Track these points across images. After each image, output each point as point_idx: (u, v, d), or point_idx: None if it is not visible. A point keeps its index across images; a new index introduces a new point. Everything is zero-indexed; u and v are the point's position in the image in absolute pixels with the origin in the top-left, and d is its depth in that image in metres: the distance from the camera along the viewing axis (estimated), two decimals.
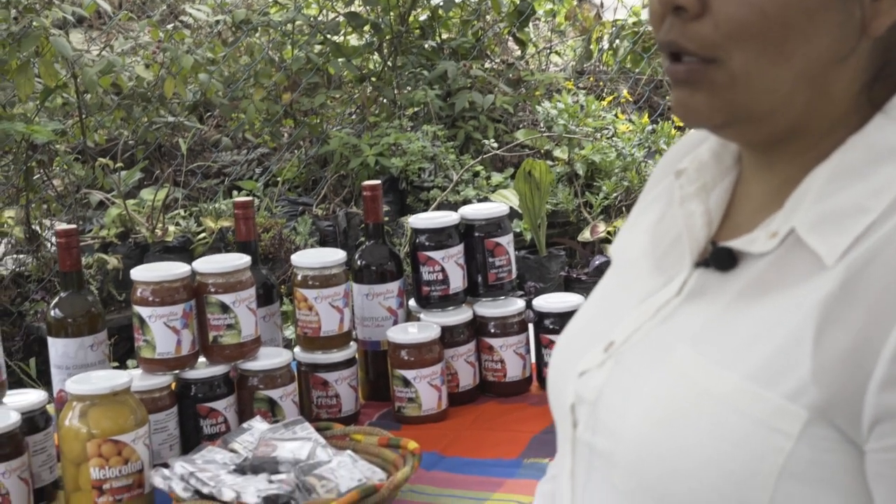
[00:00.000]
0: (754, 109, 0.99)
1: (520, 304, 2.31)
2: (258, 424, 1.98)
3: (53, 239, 4.87)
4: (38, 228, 4.80)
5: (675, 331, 1.02)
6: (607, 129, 5.32)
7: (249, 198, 2.30)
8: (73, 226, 2.09)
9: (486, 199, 4.73)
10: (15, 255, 4.95)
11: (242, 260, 2.09)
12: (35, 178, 4.95)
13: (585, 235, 4.85)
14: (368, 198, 2.27)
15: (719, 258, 1.02)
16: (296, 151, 5.56)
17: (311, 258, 2.20)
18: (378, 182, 2.31)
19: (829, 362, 0.91)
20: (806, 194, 0.98)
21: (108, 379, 1.86)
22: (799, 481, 0.92)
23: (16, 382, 4.18)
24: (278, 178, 5.24)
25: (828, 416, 0.91)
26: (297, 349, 2.21)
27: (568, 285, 4.70)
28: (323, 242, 4.78)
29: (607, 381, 1.05)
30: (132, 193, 5.12)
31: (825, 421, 0.91)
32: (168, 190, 4.85)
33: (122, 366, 3.79)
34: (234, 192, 5.17)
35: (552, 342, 2.25)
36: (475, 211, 2.34)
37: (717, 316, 1.00)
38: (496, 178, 5.11)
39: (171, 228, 4.72)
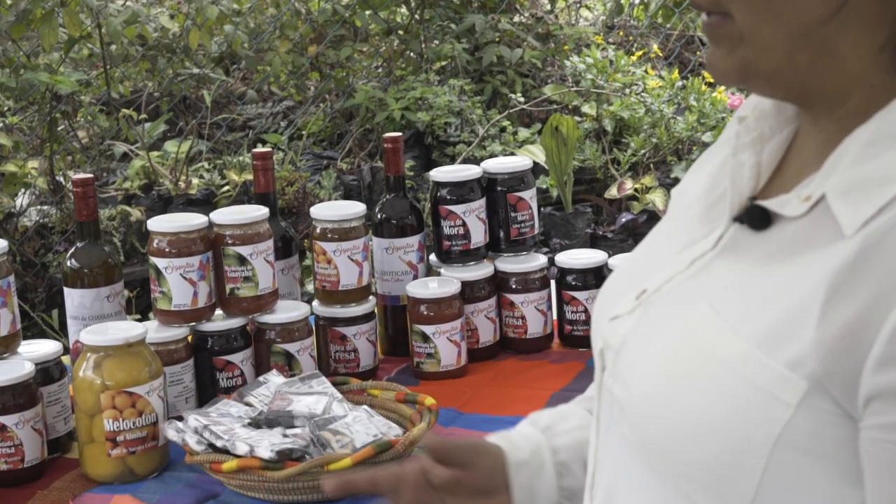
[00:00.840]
0: (760, 67, 0.97)
1: (542, 259, 2.27)
2: (274, 378, 1.95)
3: None
4: (61, 180, 4.79)
5: (703, 286, 1.02)
6: (636, 84, 5.24)
7: (268, 149, 2.26)
8: (90, 175, 2.06)
9: (512, 155, 4.68)
10: (39, 207, 4.94)
11: (260, 212, 2.06)
12: (59, 129, 4.94)
13: (612, 192, 4.80)
14: (389, 150, 2.23)
15: (753, 216, 1.01)
16: (321, 105, 5.51)
17: (331, 211, 2.16)
18: (399, 134, 2.27)
19: (831, 334, 0.90)
20: (843, 157, 0.95)
21: (122, 330, 1.83)
22: (794, 452, 0.93)
23: (39, 333, 4.18)
24: (303, 132, 5.21)
25: (826, 388, 0.90)
26: (315, 303, 2.18)
27: (594, 242, 4.65)
28: (347, 197, 4.75)
29: (633, 330, 1.06)
30: (156, 146, 5.10)
31: (824, 393, 0.91)
32: (192, 142, 4.82)
33: (145, 318, 3.79)
34: (259, 146, 5.13)
35: (574, 299, 2.22)
36: (498, 165, 2.30)
37: (740, 276, 0.99)
38: (523, 133, 5.05)
39: (195, 181, 4.70)
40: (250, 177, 4.65)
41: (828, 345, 0.90)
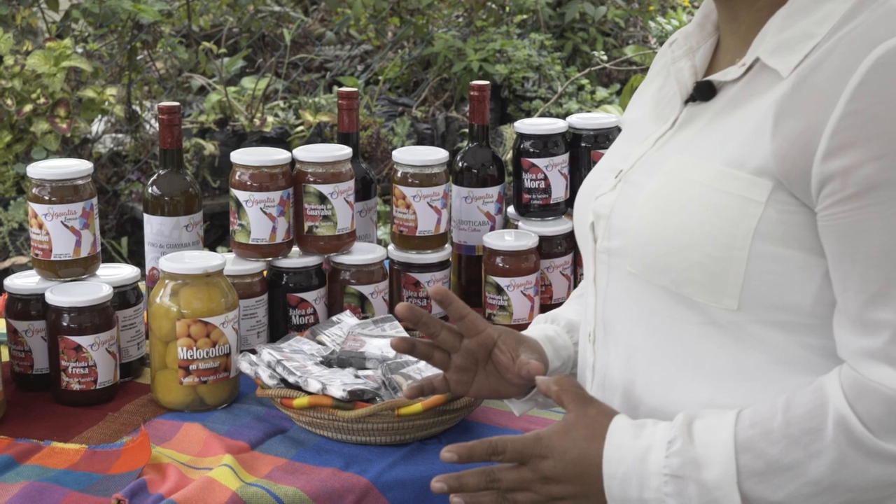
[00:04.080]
0: None
1: None
2: (348, 319, 1.95)
3: (153, 120, 4.89)
4: (137, 109, 4.81)
5: (668, 150, 1.30)
6: None
7: (355, 88, 2.25)
8: (176, 103, 2.05)
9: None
10: (114, 135, 4.97)
11: (343, 151, 2.04)
12: (138, 58, 4.95)
13: None
14: (476, 98, 2.21)
15: (701, 90, 1.31)
16: (399, 51, 5.49)
17: (413, 155, 2.15)
18: (487, 83, 2.24)
19: (784, 143, 1.19)
20: (767, 32, 1.25)
21: (201, 260, 1.83)
22: (769, 240, 1.20)
23: (107, 260, 4.22)
24: (380, 77, 5.19)
25: (786, 186, 1.19)
26: (390, 247, 2.17)
27: None
28: (420, 145, 4.74)
29: (618, 197, 1.33)
30: (233, 81, 5.11)
31: (785, 190, 1.20)
32: (269, 80, 4.82)
33: (213, 252, 3.80)
34: (335, 88, 5.13)
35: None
36: (583, 120, 2.27)
37: (699, 131, 1.28)
38: (601, 93, 5.00)
39: (270, 119, 4.70)
40: (325, 118, 4.64)
41: (782, 151, 1.19)
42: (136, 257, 4.46)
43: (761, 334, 1.24)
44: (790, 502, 1.20)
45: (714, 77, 1.30)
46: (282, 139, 4.61)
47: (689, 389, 1.28)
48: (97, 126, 4.84)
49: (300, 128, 4.67)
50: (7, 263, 4.19)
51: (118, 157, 4.81)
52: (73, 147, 4.65)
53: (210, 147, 4.52)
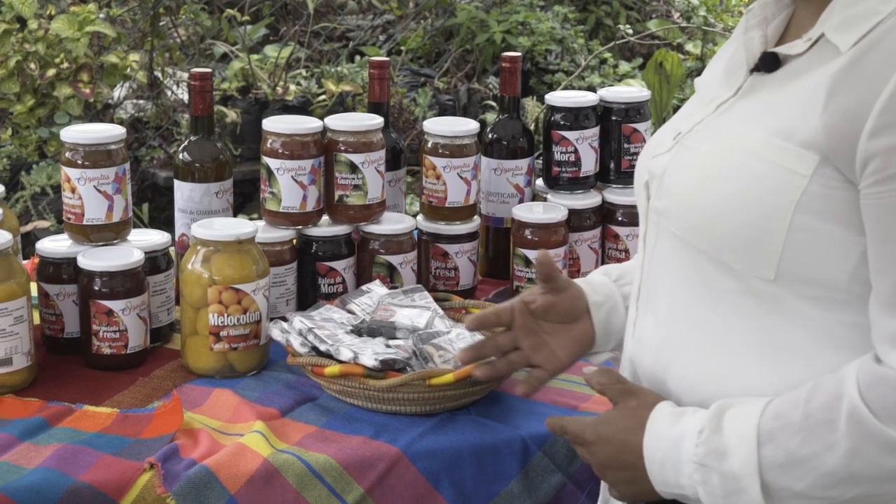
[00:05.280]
0: None
1: None
2: (377, 288, 1.95)
3: (175, 87, 4.88)
4: (159, 75, 4.81)
5: (727, 117, 1.32)
6: None
7: (386, 58, 2.24)
8: (208, 69, 2.05)
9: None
10: (135, 101, 4.97)
11: (375, 120, 2.04)
12: (161, 24, 4.94)
13: None
14: (507, 69, 2.20)
15: (765, 61, 1.31)
16: (422, 21, 5.47)
17: (444, 126, 2.14)
18: (518, 54, 2.23)
19: (834, 119, 1.19)
20: (834, 9, 1.25)
21: (233, 226, 1.83)
22: (810, 214, 1.21)
23: None
24: (402, 47, 5.17)
25: (832, 161, 1.20)
26: (419, 217, 2.17)
27: None
28: (442, 116, 4.72)
29: (672, 158, 1.35)
30: (256, 49, 5.10)
31: (831, 165, 1.20)
32: (292, 48, 4.81)
33: None
34: (357, 57, 5.11)
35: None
36: (614, 93, 2.26)
37: (757, 102, 1.30)
38: (623, 66, 4.98)
39: (292, 87, 4.69)
40: (347, 87, 4.63)
41: (831, 127, 1.19)
42: (156, 223, 4.47)
43: (798, 307, 1.24)
44: (810, 493, 1.21)
45: (779, 49, 1.31)
46: (304, 108, 4.60)
47: (720, 358, 1.29)
48: (118, 92, 4.84)
49: (322, 97, 4.66)
50: (29, 227, 4.20)
51: (139, 124, 4.81)
52: (94, 112, 4.65)
53: (232, 115, 4.52)
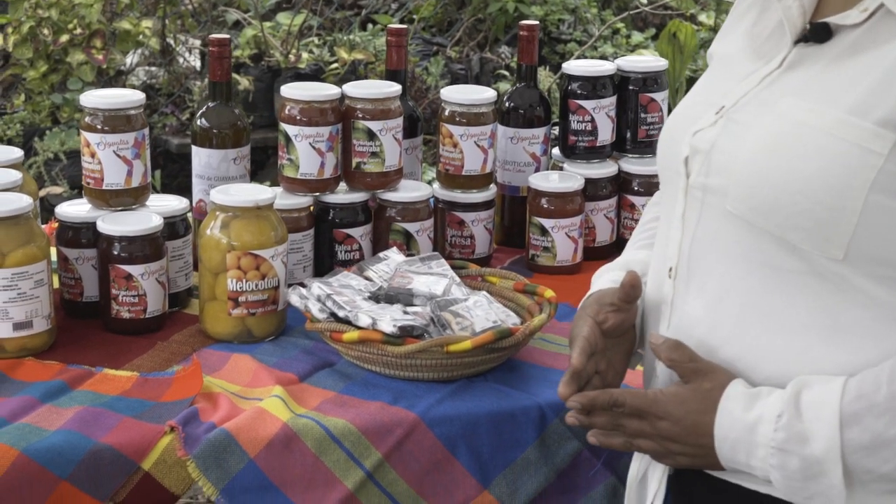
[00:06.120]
0: None
1: None
2: (394, 255, 1.96)
3: (187, 53, 4.88)
4: (171, 42, 4.80)
5: (779, 91, 1.27)
6: None
7: (404, 26, 2.24)
8: (227, 36, 2.05)
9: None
10: (147, 67, 4.97)
11: (393, 88, 2.04)
12: None
13: None
14: (525, 38, 2.20)
15: (817, 32, 1.27)
16: None
17: (462, 94, 2.14)
18: (536, 23, 2.23)
19: None
20: None
21: (252, 192, 1.84)
22: (887, 195, 1.18)
23: None
24: (414, 16, 5.16)
25: None
26: (435, 185, 2.18)
27: None
28: (454, 84, 4.72)
29: (720, 134, 1.30)
30: (268, 16, 5.09)
31: None
32: (305, 16, 4.80)
33: None
34: (369, 26, 5.10)
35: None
36: (632, 63, 2.25)
37: (815, 74, 1.25)
38: (636, 37, 4.96)
39: (305, 55, 4.69)
40: (360, 56, 4.63)
41: None
42: (169, 190, 4.47)
43: (864, 287, 1.22)
44: None
45: (832, 19, 1.26)
46: (316, 76, 4.60)
47: (782, 339, 1.27)
48: (130, 58, 4.84)
49: (335, 65, 4.66)
50: (42, 193, 4.21)
51: (151, 90, 4.81)
52: (107, 79, 4.65)
53: (244, 82, 4.52)
